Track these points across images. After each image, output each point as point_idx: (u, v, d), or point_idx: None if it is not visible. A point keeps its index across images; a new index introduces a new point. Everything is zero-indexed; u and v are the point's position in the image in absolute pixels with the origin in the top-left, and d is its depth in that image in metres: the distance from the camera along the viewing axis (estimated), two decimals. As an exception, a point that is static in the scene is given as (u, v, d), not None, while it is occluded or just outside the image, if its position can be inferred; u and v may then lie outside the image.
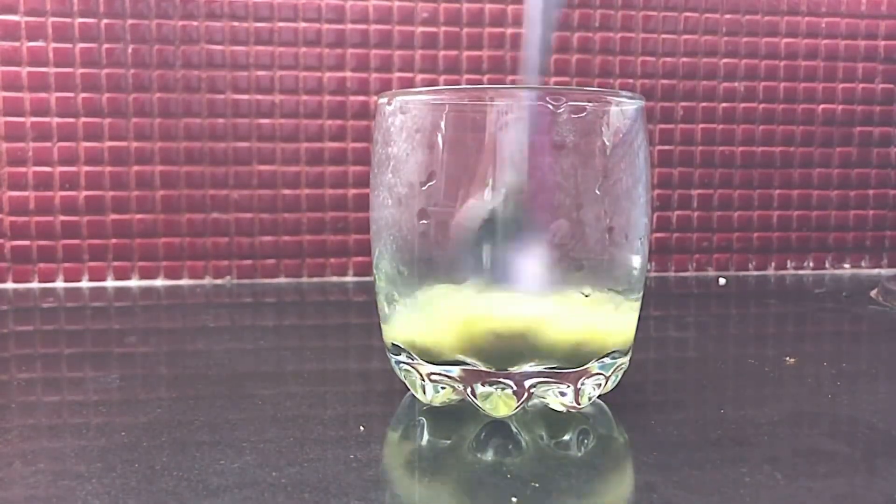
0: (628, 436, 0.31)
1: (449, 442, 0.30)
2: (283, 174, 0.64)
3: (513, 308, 0.30)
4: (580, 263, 0.30)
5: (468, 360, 0.30)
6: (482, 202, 0.29)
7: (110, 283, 0.63)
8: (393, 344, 0.33)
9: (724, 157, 0.70)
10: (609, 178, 0.30)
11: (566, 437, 0.30)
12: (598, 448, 0.30)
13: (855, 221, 0.73)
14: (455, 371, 0.31)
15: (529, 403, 0.32)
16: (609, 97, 0.31)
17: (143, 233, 0.63)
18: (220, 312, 0.55)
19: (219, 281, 0.64)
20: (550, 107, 0.29)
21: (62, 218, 0.62)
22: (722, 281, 0.68)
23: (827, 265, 0.73)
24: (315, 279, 0.65)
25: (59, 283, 0.62)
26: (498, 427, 0.31)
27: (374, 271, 0.33)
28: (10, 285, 0.61)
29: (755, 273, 0.71)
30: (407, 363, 0.32)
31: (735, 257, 0.71)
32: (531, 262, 0.30)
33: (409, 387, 0.33)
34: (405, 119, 0.31)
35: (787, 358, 0.41)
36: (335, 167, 0.65)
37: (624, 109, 0.31)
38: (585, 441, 0.30)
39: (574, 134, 0.29)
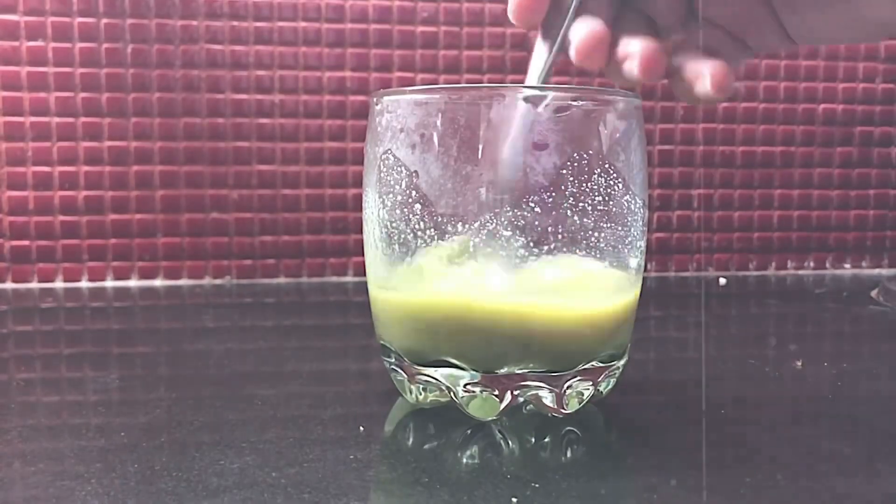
0: (629, 436, 0.31)
1: (449, 442, 0.30)
2: (283, 174, 0.64)
3: (502, 308, 0.30)
4: (572, 264, 0.30)
5: (454, 361, 0.30)
6: None
7: (110, 284, 0.63)
8: (382, 344, 0.33)
9: (725, 157, 0.70)
10: (605, 178, 0.30)
11: (567, 438, 0.30)
12: (598, 449, 0.30)
13: (856, 221, 0.73)
14: (440, 373, 0.31)
15: (527, 408, 0.32)
16: (605, 96, 0.31)
17: (142, 233, 0.63)
18: (220, 312, 0.55)
19: (219, 281, 0.64)
20: (538, 106, 0.29)
21: (61, 218, 0.62)
22: (722, 281, 0.68)
23: (828, 265, 0.73)
24: (315, 279, 0.65)
25: (59, 284, 0.62)
26: (498, 428, 0.31)
27: (367, 270, 0.33)
28: (9, 285, 0.61)
29: (756, 273, 0.71)
30: (396, 364, 0.32)
31: (736, 257, 0.71)
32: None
33: (398, 387, 0.33)
34: (391, 118, 0.31)
35: (798, 362, 0.41)
36: (335, 167, 0.65)
37: (620, 108, 0.31)
38: (586, 442, 0.30)
39: (563, 133, 0.29)
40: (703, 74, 0.29)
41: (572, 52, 0.31)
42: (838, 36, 0.34)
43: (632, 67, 0.30)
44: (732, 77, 0.30)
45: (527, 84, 0.31)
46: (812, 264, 0.73)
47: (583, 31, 0.30)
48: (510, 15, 0.31)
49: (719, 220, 0.71)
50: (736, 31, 0.31)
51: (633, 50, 0.30)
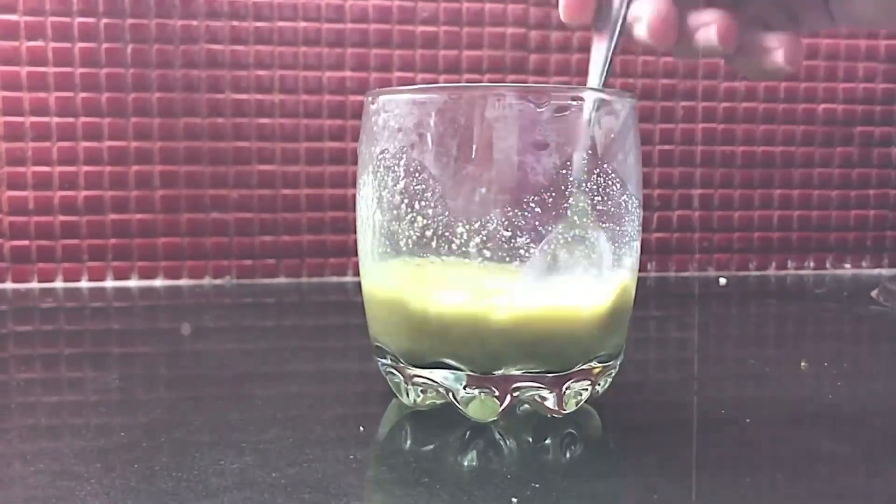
0: (629, 436, 0.31)
1: (449, 442, 0.30)
2: (284, 174, 0.64)
3: (500, 308, 0.30)
4: (570, 264, 0.30)
5: (452, 362, 0.30)
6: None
7: (110, 284, 0.63)
8: (377, 346, 0.33)
9: (725, 157, 0.70)
10: (603, 177, 0.30)
11: (566, 439, 0.30)
12: (598, 449, 0.30)
13: (856, 221, 0.73)
14: (437, 374, 0.30)
15: (521, 408, 0.32)
16: (599, 96, 0.31)
17: (142, 233, 0.63)
18: (220, 312, 0.55)
19: (218, 281, 0.64)
20: (539, 106, 0.29)
21: (61, 218, 0.62)
22: (723, 281, 0.68)
23: (828, 265, 0.73)
24: (315, 279, 0.65)
25: (59, 284, 0.62)
26: (497, 428, 0.31)
27: (361, 271, 0.33)
28: (9, 285, 0.61)
29: (756, 273, 0.71)
30: (392, 366, 0.32)
31: (736, 257, 0.71)
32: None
33: (394, 389, 0.33)
34: (388, 117, 0.31)
35: (802, 363, 0.41)
36: (335, 167, 0.65)
37: (615, 108, 0.31)
38: (586, 442, 0.30)
39: (562, 133, 0.29)
40: (775, 48, 0.30)
41: (643, 31, 0.31)
42: (876, 17, 0.34)
43: (708, 35, 0.30)
44: (802, 51, 0.30)
45: (590, 85, 0.31)
46: (812, 264, 0.73)
47: (650, 10, 0.30)
48: (561, 14, 0.31)
49: (719, 220, 0.71)
50: (790, 5, 0.32)
51: (708, 19, 0.30)
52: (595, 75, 0.32)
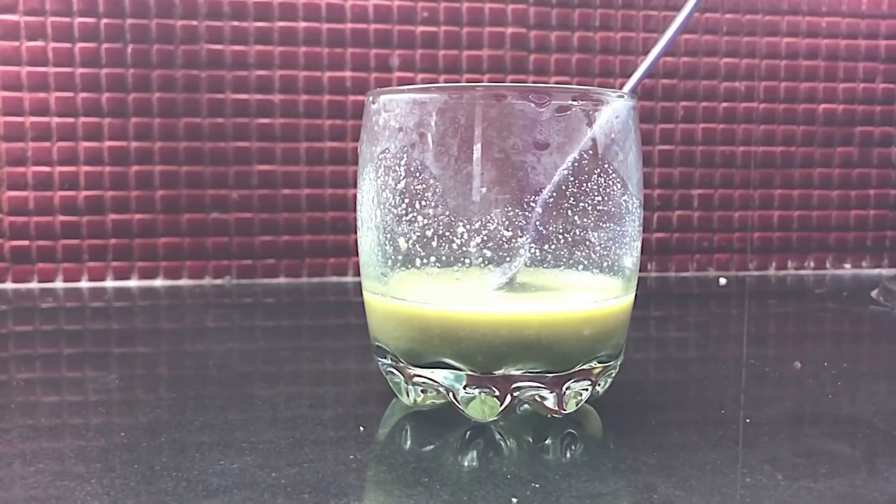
0: (629, 436, 0.31)
1: (449, 442, 0.30)
2: (284, 174, 0.64)
3: (501, 309, 0.30)
4: (570, 264, 0.30)
5: (452, 362, 0.30)
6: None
7: (110, 284, 0.63)
8: (377, 346, 0.33)
9: (725, 157, 0.70)
10: (604, 177, 0.30)
11: (566, 439, 0.30)
12: (598, 448, 0.30)
13: (856, 221, 0.73)
14: (438, 374, 0.30)
15: (521, 408, 0.32)
16: (599, 96, 0.31)
17: (142, 233, 0.63)
18: (220, 312, 0.55)
19: (219, 281, 0.64)
20: (539, 106, 0.29)
21: (61, 218, 0.62)
22: (723, 281, 0.68)
23: (828, 265, 0.73)
24: (315, 279, 0.65)
25: (59, 284, 0.62)
26: (497, 428, 0.31)
27: (361, 271, 0.33)
28: (9, 285, 0.61)
29: (756, 273, 0.71)
30: (392, 366, 0.32)
31: (736, 257, 0.71)
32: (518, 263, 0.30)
33: (394, 389, 0.33)
34: (389, 117, 0.31)
35: (796, 363, 0.41)
36: (335, 167, 0.65)
37: (615, 108, 0.31)
38: (586, 441, 0.30)
39: (563, 133, 0.29)
40: None
41: None
42: None
43: None
44: None
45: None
46: (812, 264, 0.73)
47: None
48: None
49: (719, 220, 0.71)
50: None
51: None
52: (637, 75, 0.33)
